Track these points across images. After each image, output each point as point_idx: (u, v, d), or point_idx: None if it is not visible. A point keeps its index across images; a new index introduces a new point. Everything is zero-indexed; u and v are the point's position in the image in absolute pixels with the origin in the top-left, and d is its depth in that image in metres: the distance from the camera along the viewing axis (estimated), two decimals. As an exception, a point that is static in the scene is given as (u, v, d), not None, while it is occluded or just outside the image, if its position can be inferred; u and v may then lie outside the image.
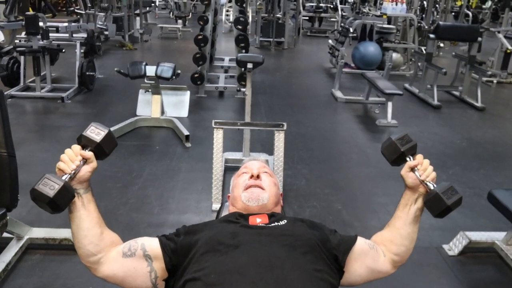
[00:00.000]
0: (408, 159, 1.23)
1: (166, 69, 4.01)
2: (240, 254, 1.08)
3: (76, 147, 1.13)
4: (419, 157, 1.23)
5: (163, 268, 1.15)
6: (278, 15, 9.69)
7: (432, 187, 1.18)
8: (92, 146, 1.14)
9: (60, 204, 1.05)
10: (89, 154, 1.13)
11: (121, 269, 1.15)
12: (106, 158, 1.19)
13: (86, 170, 1.13)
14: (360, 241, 1.26)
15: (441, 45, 8.90)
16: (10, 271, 2.08)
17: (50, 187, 1.03)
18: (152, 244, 1.18)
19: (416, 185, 1.21)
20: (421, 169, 1.21)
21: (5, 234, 2.15)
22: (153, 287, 1.16)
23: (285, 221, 1.24)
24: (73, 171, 1.10)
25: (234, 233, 1.15)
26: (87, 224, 1.13)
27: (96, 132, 1.15)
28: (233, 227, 1.19)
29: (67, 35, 5.53)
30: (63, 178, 1.07)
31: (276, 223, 1.22)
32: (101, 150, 1.15)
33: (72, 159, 1.11)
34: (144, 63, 4.07)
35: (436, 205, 1.15)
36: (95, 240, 1.13)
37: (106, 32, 8.10)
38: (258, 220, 1.23)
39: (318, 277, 1.07)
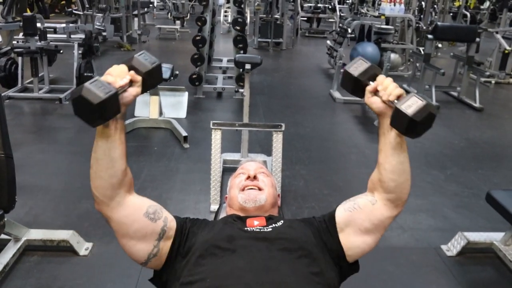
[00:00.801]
0: (371, 83, 1.11)
1: (164, 70, 3.97)
2: (236, 259, 1.08)
3: (124, 67, 1.04)
4: (379, 77, 1.10)
5: (165, 252, 1.14)
6: (276, 16, 9.70)
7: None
8: (142, 72, 1.04)
9: (107, 111, 0.94)
10: (138, 77, 1.03)
11: (134, 225, 1.10)
12: (147, 91, 1.10)
13: (130, 93, 1.03)
14: (339, 213, 1.21)
15: (439, 45, 8.91)
16: (7, 273, 2.08)
17: (103, 89, 0.91)
18: (171, 225, 1.16)
19: (384, 109, 1.10)
20: (381, 90, 1.09)
21: (2, 236, 2.15)
22: (145, 261, 1.13)
23: (282, 222, 1.23)
24: (120, 88, 0.99)
25: (230, 236, 1.14)
26: (116, 154, 1.04)
27: (148, 60, 1.07)
28: (230, 231, 1.17)
29: (65, 36, 5.53)
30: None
31: (273, 225, 1.21)
32: (149, 78, 1.06)
33: (121, 76, 1.01)
34: (142, 64, 4.06)
35: (399, 120, 1.02)
36: (119, 173, 1.05)
37: (104, 33, 8.09)
38: (255, 223, 1.22)
39: (315, 281, 1.06)
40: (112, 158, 1.04)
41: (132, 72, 1.03)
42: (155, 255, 1.13)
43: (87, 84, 0.92)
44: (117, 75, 1.01)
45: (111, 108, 0.95)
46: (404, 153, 1.12)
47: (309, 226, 1.23)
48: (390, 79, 1.10)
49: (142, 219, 1.10)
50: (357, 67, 1.12)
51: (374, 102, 1.11)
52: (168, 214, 1.18)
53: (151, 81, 1.08)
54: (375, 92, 1.11)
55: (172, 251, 1.14)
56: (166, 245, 1.14)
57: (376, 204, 1.17)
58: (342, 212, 1.21)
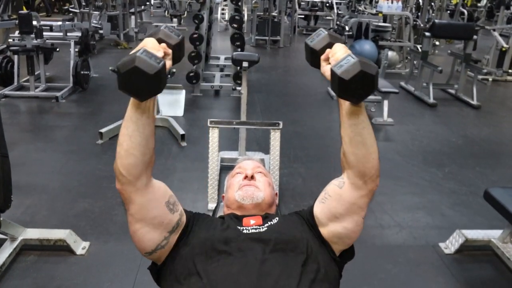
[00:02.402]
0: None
1: (161, 68, 3.99)
2: (231, 262, 1.07)
3: (155, 40, 1.00)
4: (334, 46, 1.06)
5: (170, 247, 1.12)
6: (273, 14, 9.68)
7: None
8: (172, 44, 1.02)
9: (162, 82, 0.90)
10: (169, 50, 1.01)
11: (154, 212, 1.08)
12: (174, 64, 1.06)
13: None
14: (316, 207, 1.20)
15: (437, 43, 8.91)
16: (4, 273, 2.06)
17: (154, 59, 0.88)
18: (183, 220, 1.16)
19: None
20: (331, 57, 1.05)
21: (-2, 235, 2.14)
22: (151, 251, 1.11)
23: (277, 218, 1.22)
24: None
25: (227, 238, 1.13)
26: (149, 131, 1.01)
27: (174, 33, 1.04)
28: (227, 232, 1.16)
29: (61, 34, 5.49)
30: None
31: (269, 223, 1.20)
32: (178, 51, 1.04)
33: (156, 49, 0.98)
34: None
35: (333, 82, 0.96)
36: (151, 151, 1.04)
37: (100, 31, 8.07)
38: (252, 222, 1.21)
39: (310, 279, 1.05)
40: (145, 135, 1.01)
41: (164, 44, 1.00)
42: (163, 247, 1.11)
43: (138, 54, 0.87)
44: (152, 48, 0.97)
45: (164, 78, 0.91)
46: (361, 124, 1.06)
47: (302, 220, 1.22)
48: (341, 45, 1.05)
49: (163, 207, 1.09)
50: (314, 38, 1.08)
51: (326, 70, 1.07)
52: (182, 208, 1.17)
53: (179, 54, 1.05)
54: (327, 60, 1.07)
55: (175, 246, 1.13)
56: (173, 239, 1.13)
57: (344, 187, 1.13)
58: (318, 205, 1.20)
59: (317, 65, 1.10)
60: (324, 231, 1.17)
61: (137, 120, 0.99)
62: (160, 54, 0.97)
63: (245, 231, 1.16)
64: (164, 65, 0.91)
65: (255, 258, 1.07)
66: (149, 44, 0.98)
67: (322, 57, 1.07)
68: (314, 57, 1.08)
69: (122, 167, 1.02)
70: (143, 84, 0.87)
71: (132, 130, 1.00)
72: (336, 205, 1.14)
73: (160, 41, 1.01)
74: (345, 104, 1.05)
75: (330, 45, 1.07)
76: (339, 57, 1.00)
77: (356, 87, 0.93)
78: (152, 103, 1.01)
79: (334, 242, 1.17)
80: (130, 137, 1.00)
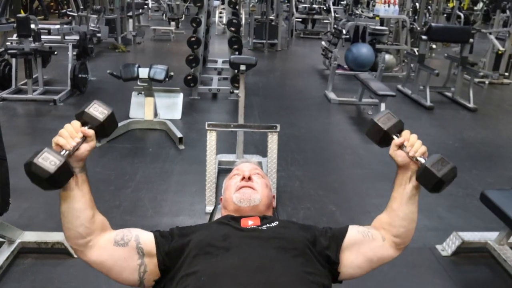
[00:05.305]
0: (395, 137, 1.17)
1: (159, 71, 4.00)
2: (231, 257, 1.08)
3: (77, 123, 1.06)
4: (405, 133, 1.17)
5: (154, 265, 1.14)
6: (271, 17, 9.70)
7: (422, 162, 1.11)
8: (94, 125, 1.07)
9: (59, 181, 0.99)
10: (91, 132, 1.07)
11: (111, 258, 1.12)
12: (103, 138, 1.16)
13: (85, 149, 1.07)
14: (352, 232, 1.23)
15: (434, 46, 8.95)
16: (1, 276, 2.06)
17: (50, 162, 0.96)
18: (146, 238, 1.16)
19: (407, 163, 1.16)
20: (408, 145, 1.15)
21: (-4, 238, 2.14)
22: (139, 280, 1.14)
23: (277, 222, 1.23)
24: (72, 148, 1.03)
25: (225, 235, 1.14)
26: (79, 205, 1.08)
27: (99, 111, 1.08)
28: (225, 230, 1.18)
29: (59, 37, 5.50)
30: (62, 154, 1.00)
31: (267, 225, 1.21)
32: (102, 129, 1.09)
33: (72, 136, 1.04)
34: (136, 65, 4.05)
35: (428, 179, 1.09)
36: (86, 222, 1.10)
37: (98, 34, 8.07)
38: (250, 222, 1.22)
39: (308, 280, 1.07)
40: (76, 210, 1.08)
41: (83, 128, 1.06)
42: (145, 271, 1.14)
43: (35, 159, 0.95)
44: (68, 136, 1.04)
45: (62, 176, 0.99)
46: (416, 204, 1.20)
47: (306, 230, 1.23)
48: (415, 136, 1.17)
49: (114, 249, 1.13)
50: (385, 121, 1.19)
51: (399, 155, 1.16)
52: (139, 231, 1.19)
53: (105, 131, 1.11)
54: (400, 146, 1.16)
55: (163, 261, 1.14)
56: (151, 259, 1.14)
57: (385, 242, 1.23)
58: (355, 232, 1.24)
59: (382, 144, 1.20)
60: (344, 255, 1.20)
61: (65, 199, 1.08)
62: (75, 141, 1.03)
63: (244, 229, 1.18)
64: (62, 165, 0.96)
65: (255, 254, 1.09)
66: (65, 132, 1.04)
67: (397, 142, 1.16)
68: (383, 138, 1.19)
69: (67, 239, 1.13)
70: (42, 182, 0.97)
71: (64, 208, 1.09)
72: (371, 250, 1.21)
73: (83, 123, 1.07)
74: (407, 187, 1.17)
75: (399, 130, 1.18)
76: (422, 151, 1.13)
77: (446, 185, 1.09)
78: (79, 181, 1.08)
79: (342, 268, 1.20)
80: (63, 214, 1.09)
